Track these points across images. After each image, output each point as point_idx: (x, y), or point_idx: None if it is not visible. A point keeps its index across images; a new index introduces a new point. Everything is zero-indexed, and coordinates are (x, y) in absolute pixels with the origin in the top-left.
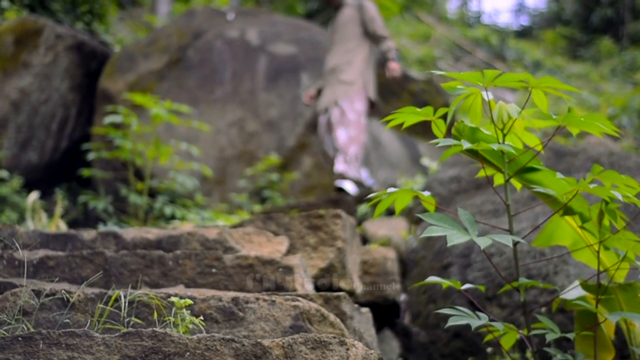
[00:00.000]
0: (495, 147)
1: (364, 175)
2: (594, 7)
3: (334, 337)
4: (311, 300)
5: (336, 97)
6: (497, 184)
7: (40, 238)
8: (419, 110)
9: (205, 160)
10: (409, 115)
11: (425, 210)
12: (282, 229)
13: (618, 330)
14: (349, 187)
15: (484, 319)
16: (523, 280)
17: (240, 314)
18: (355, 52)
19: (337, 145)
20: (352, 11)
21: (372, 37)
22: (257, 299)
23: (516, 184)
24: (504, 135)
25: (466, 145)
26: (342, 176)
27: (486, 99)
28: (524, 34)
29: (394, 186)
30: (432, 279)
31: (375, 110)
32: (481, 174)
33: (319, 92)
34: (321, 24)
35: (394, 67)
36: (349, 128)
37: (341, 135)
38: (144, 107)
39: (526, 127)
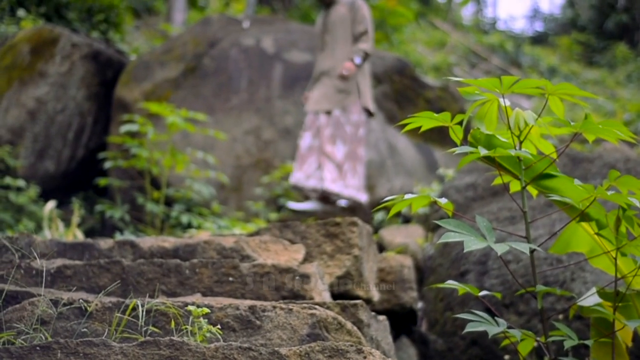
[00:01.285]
0: (512, 152)
1: (352, 192)
2: (609, 13)
3: (351, 346)
4: (328, 308)
5: (330, 105)
6: (513, 191)
7: (57, 247)
8: (436, 115)
9: (221, 168)
10: (426, 120)
11: (441, 218)
12: (298, 237)
13: (635, 337)
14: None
15: (502, 325)
16: (540, 287)
17: (258, 322)
18: (350, 57)
19: (332, 162)
20: (345, 10)
21: (356, 38)
22: (274, 307)
23: (533, 191)
24: (521, 142)
25: (483, 152)
26: (334, 194)
27: (503, 105)
28: (539, 40)
29: (411, 193)
30: (450, 283)
31: (372, 118)
32: (498, 181)
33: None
34: None
35: (348, 66)
36: (346, 143)
37: (339, 151)
38: (160, 116)
39: (542, 134)
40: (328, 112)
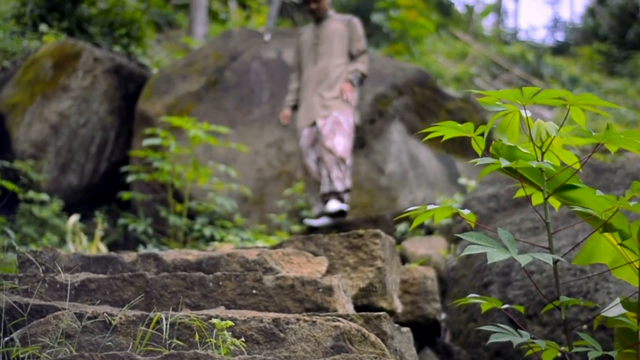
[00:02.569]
0: (534, 164)
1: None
2: (631, 23)
3: (375, 357)
4: (352, 320)
5: (329, 110)
6: (536, 202)
7: (81, 261)
8: (458, 125)
9: (243, 181)
10: (448, 130)
11: (464, 229)
12: (321, 249)
13: None
14: (342, 206)
15: (525, 336)
16: (564, 298)
17: (281, 334)
18: (344, 71)
19: (335, 156)
20: (341, 26)
21: (355, 57)
22: (298, 319)
23: (555, 202)
24: (543, 153)
25: (504, 163)
26: (337, 195)
27: (524, 116)
28: (560, 50)
29: (433, 205)
30: (473, 297)
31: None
32: (520, 193)
33: (294, 108)
34: None
35: (346, 88)
36: (346, 138)
37: (339, 144)
38: (182, 129)
39: (564, 145)
40: (324, 117)
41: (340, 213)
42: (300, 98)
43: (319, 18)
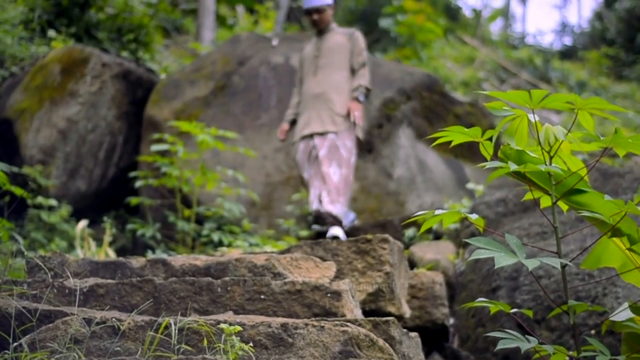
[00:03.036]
0: (542, 168)
1: (350, 217)
2: (639, 27)
3: None
4: (360, 325)
5: (326, 127)
6: (544, 206)
7: (89, 266)
8: (466, 130)
9: (251, 186)
10: (457, 135)
11: (472, 234)
12: (329, 254)
13: None
14: (339, 232)
15: (533, 342)
16: (572, 302)
17: (290, 339)
18: (346, 84)
19: (328, 184)
20: (343, 39)
21: (355, 71)
22: (306, 324)
23: (563, 206)
24: (551, 158)
25: (513, 167)
26: (332, 216)
27: (532, 120)
28: (567, 54)
29: (441, 209)
30: (481, 301)
31: (361, 148)
32: (528, 196)
33: (293, 123)
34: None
35: (353, 107)
36: (342, 167)
37: (334, 174)
38: (190, 134)
39: (572, 149)
40: (322, 134)
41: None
42: (299, 111)
43: (321, 30)
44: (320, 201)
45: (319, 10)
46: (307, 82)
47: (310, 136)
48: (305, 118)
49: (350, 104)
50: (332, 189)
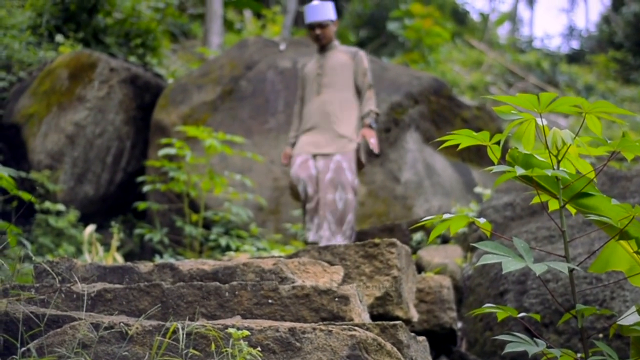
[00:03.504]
0: (549, 172)
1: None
2: None
3: None
4: (368, 329)
5: (331, 149)
6: (552, 210)
7: (97, 271)
8: (475, 134)
9: (259, 190)
10: (464, 138)
11: (480, 238)
12: (337, 259)
13: None
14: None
15: (541, 345)
16: (580, 306)
17: (297, 344)
18: (351, 105)
19: (332, 214)
20: (347, 58)
21: (362, 93)
22: (314, 329)
23: (571, 209)
24: (558, 161)
25: (520, 171)
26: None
27: (540, 124)
28: (575, 58)
29: (449, 213)
30: (489, 306)
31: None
32: (536, 200)
33: (293, 145)
34: (372, 53)
35: (367, 134)
36: (347, 192)
37: (340, 200)
38: (198, 139)
39: (580, 153)
40: (326, 155)
41: None
42: (300, 130)
43: (323, 46)
44: (319, 234)
45: (321, 25)
46: (310, 101)
47: (313, 155)
48: (309, 138)
49: (363, 131)
50: (333, 221)
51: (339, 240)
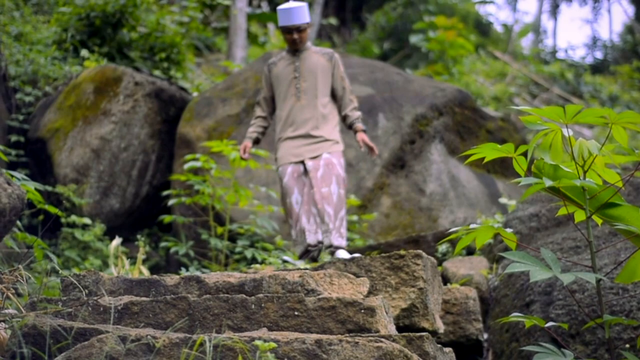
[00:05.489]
0: (578, 182)
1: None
2: None
3: None
4: (394, 341)
5: (318, 152)
6: (578, 221)
7: (124, 284)
8: (499, 146)
9: None
10: (490, 151)
11: (505, 249)
12: (362, 270)
13: None
14: (346, 254)
15: (569, 356)
16: (608, 317)
17: (324, 356)
18: (332, 109)
19: (327, 209)
20: (323, 61)
21: (339, 96)
22: (340, 340)
23: (597, 220)
24: (585, 172)
25: (548, 183)
26: (339, 248)
27: (566, 135)
28: (599, 68)
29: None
30: (516, 315)
31: None
32: (562, 211)
33: (256, 142)
34: (395, 64)
35: (364, 137)
36: (340, 186)
37: (334, 193)
38: (222, 152)
39: (606, 163)
40: (314, 157)
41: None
42: (280, 136)
43: (297, 49)
44: (321, 232)
45: (299, 29)
46: (288, 106)
47: (301, 162)
48: (293, 145)
49: (360, 136)
50: (332, 213)
51: (335, 238)
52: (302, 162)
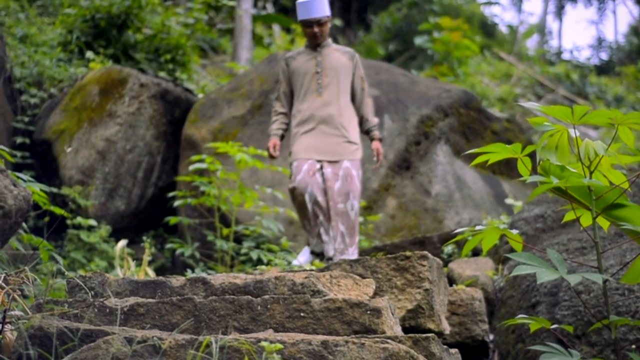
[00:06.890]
0: (585, 181)
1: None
2: None
3: None
4: (400, 342)
5: (340, 156)
6: (584, 222)
7: (129, 285)
8: (506, 146)
9: (290, 204)
10: (495, 152)
11: (511, 250)
12: (368, 272)
13: None
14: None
15: (575, 356)
16: (614, 317)
17: (330, 357)
18: (352, 110)
19: (344, 226)
20: (345, 59)
21: (357, 97)
22: (347, 342)
23: (602, 223)
24: (591, 173)
25: (556, 181)
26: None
27: (573, 136)
28: (604, 69)
29: (480, 226)
30: (521, 317)
31: None
32: (569, 216)
33: (281, 139)
34: (401, 66)
35: (379, 148)
36: (355, 200)
37: (352, 209)
38: (228, 153)
39: (612, 164)
40: (334, 162)
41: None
42: (297, 130)
43: (317, 44)
44: (333, 247)
45: (319, 22)
46: (309, 101)
47: (318, 161)
48: (313, 141)
49: (376, 145)
50: (347, 232)
51: (351, 253)
52: (320, 161)
